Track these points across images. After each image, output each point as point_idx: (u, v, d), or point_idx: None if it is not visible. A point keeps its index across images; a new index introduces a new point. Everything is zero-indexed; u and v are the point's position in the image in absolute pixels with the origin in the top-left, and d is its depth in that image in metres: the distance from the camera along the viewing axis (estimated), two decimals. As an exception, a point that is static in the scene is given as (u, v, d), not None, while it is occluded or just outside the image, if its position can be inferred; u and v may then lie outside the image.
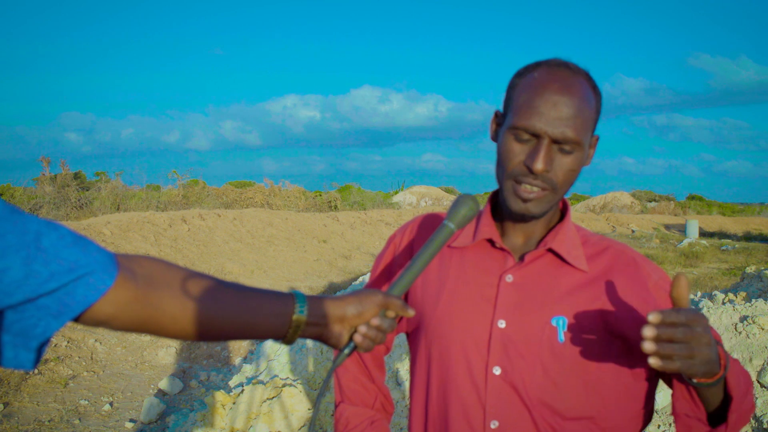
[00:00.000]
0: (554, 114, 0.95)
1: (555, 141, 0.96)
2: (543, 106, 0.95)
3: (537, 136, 0.96)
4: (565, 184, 1.00)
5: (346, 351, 0.88)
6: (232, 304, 0.81)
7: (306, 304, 0.85)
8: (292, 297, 0.85)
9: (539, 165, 0.95)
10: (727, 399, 0.92)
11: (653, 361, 0.79)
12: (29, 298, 0.64)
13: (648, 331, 0.79)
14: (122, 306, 0.72)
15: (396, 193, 28.04)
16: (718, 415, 0.95)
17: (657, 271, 1.05)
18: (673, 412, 0.97)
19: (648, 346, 0.79)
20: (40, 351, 0.69)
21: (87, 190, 14.32)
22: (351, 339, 0.88)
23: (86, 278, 0.68)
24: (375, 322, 0.88)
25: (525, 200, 0.99)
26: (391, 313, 0.89)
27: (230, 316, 0.81)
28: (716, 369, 0.86)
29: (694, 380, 0.87)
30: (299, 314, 0.84)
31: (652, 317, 0.79)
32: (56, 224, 0.68)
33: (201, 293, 0.79)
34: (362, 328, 0.87)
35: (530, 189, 0.98)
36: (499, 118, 1.05)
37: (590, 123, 0.99)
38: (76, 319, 0.70)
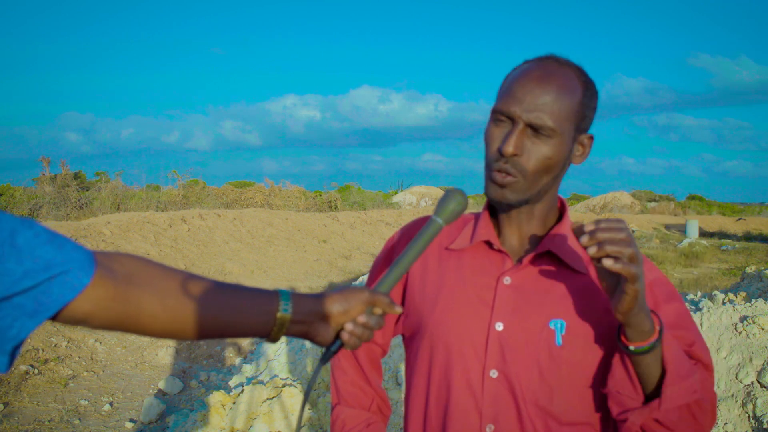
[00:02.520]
0: (530, 98, 0.96)
1: (530, 125, 0.96)
2: (520, 91, 0.97)
3: (512, 120, 0.97)
4: (540, 173, 0.99)
5: (333, 349, 0.87)
6: (214, 302, 0.80)
7: (290, 301, 0.83)
8: (276, 295, 0.84)
9: (509, 148, 0.95)
10: (663, 374, 0.91)
11: (592, 251, 0.83)
12: (3, 296, 0.63)
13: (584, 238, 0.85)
14: (100, 304, 0.71)
15: (396, 193, 28.02)
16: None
17: (652, 270, 1.04)
18: (606, 390, 0.96)
19: (584, 239, 0.84)
20: (13, 353, 0.68)
21: (87, 190, 14.31)
22: (338, 337, 0.87)
23: (62, 276, 0.67)
24: (361, 319, 0.86)
25: (500, 185, 0.99)
26: (377, 310, 0.88)
27: (213, 314, 0.80)
28: (647, 323, 0.88)
29: (631, 346, 0.89)
30: (283, 312, 0.82)
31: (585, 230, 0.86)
32: (32, 222, 0.67)
33: (182, 291, 0.78)
34: (349, 326, 0.86)
35: (503, 175, 0.98)
36: None
37: (572, 114, 0.98)
38: (54, 318, 0.69)
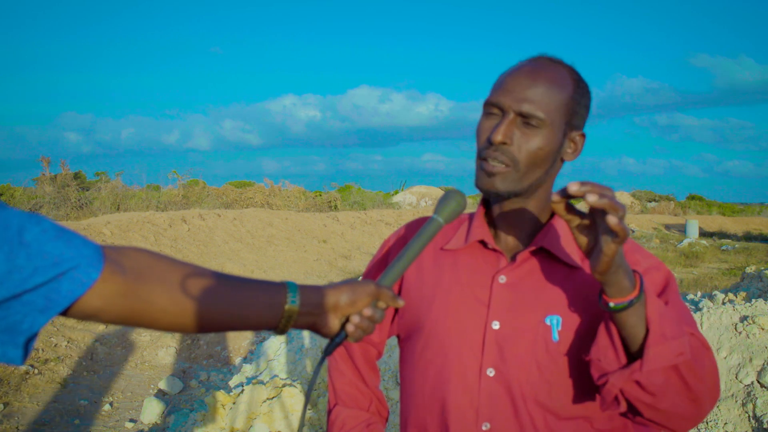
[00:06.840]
0: (519, 89, 0.98)
1: (520, 115, 0.98)
2: (511, 83, 0.99)
3: (503, 110, 0.99)
4: (530, 164, 0.99)
5: (337, 340, 0.88)
6: (223, 295, 0.80)
7: (298, 293, 0.84)
8: (284, 287, 0.84)
9: (498, 136, 0.97)
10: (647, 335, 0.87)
11: (592, 198, 0.79)
12: (14, 294, 0.63)
13: (573, 186, 0.81)
14: (110, 299, 0.71)
15: (396, 193, 28.01)
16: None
17: (647, 258, 1.04)
18: (588, 358, 0.92)
19: (573, 187, 0.80)
20: (27, 346, 0.68)
21: (87, 190, 14.30)
22: (342, 328, 0.88)
23: (71, 272, 0.67)
24: (367, 312, 0.87)
25: (489, 174, 0.99)
26: (382, 304, 0.89)
27: (222, 307, 0.80)
28: (626, 280, 0.85)
29: (611, 303, 0.86)
30: (291, 304, 0.83)
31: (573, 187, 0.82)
32: (40, 217, 0.67)
33: (191, 285, 0.78)
34: (355, 318, 0.87)
35: (493, 164, 0.98)
36: None
37: (562, 107, 0.99)
38: (64, 313, 0.69)
